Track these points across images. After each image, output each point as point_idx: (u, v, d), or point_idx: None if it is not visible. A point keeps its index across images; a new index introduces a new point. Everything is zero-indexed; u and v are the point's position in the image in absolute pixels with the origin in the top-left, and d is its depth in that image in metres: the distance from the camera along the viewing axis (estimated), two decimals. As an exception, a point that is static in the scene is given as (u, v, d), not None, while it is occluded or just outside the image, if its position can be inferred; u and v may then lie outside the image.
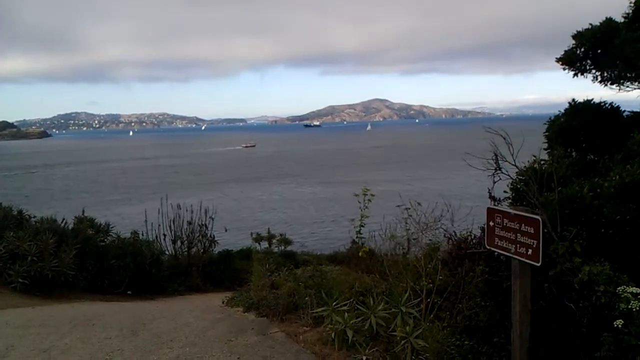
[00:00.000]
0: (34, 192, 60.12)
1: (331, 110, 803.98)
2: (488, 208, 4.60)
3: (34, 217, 13.13)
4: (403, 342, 4.82)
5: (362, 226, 6.96)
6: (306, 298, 6.41)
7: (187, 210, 14.86)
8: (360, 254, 7.02)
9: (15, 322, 6.84)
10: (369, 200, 6.84)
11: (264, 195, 54.84)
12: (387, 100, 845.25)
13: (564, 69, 7.46)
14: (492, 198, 5.09)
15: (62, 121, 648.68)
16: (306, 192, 55.31)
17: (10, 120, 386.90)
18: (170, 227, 14.65)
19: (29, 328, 6.46)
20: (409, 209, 6.01)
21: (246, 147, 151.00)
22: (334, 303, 5.70)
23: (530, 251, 4.05)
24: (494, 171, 4.92)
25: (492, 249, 4.54)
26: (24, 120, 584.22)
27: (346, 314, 5.42)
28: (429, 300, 5.53)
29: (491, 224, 4.49)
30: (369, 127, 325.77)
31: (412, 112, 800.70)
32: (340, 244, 17.07)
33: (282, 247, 16.13)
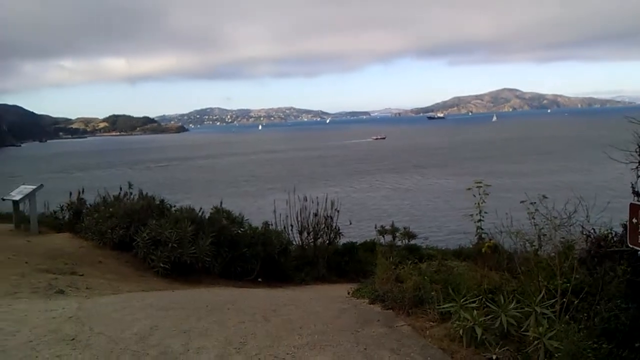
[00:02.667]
0: (174, 182, 64.55)
1: (457, 102, 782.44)
2: (631, 204, 4.31)
3: (174, 206, 14.07)
4: (536, 342, 4.66)
5: (481, 220, 6.76)
6: (432, 293, 6.35)
7: (313, 202, 15.26)
8: (483, 249, 6.85)
9: (157, 304, 7.31)
10: (486, 193, 6.63)
11: (393, 187, 54.80)
12: (517, 90, 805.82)
13: None
14: (636, 193, 4.77)
15: (198, 116, 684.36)
16: (435, 184, 54.56)
17: (151, 116, 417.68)
18: (297, 218, 15.11)
19: (169, 310, 6.88)
20: (534, 203, 5.77)
21: (376, 139, 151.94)
22: (462, 299, 5.61)
23: (679, 252, 3.75)
24: (637, 164, 4.61)
25: (636, 247, 4.25)
26: (164, 115, 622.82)
27: (475, 311, 5.31)
28: (563, 300, 5.29)
29: (634, 220, 4.20)
30: (494, 118, 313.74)
31: (544, 101, 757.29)
32: (466, 238, 16.64)
33: (406, 241, 16.03)
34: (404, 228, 16.43)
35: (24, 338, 5.68)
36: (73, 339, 5.64)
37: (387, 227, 16.20)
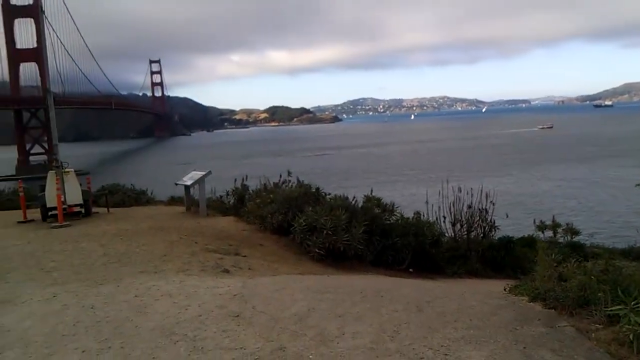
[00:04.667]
0: (329, 171, 66.48)
1: (628, 88, 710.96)
2: None
3: (329, 194, 14.50)
4: None
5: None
6: (599, 294, 5.94)
7: (467, 194, 14.91)
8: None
9: (313, 288, 7.52)
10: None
11: (559, 179, 51.78)
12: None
13: None
14: None
15: (351, 106, 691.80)
16: (607, 177, 50.63)
17: (307, 107, 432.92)
18: (450, 209, 14.86)
19: (325, 294, 7.05)
20: None
21: (542, 128, 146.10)
22: (633, 302, 5.20)
23: None
24: None
25: None
26: (319, 106, 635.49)
27: (647, 315, 4.90)
28: None
29: None
30: None
31: None
32: (638, 237, 15.33)
33: (569, 237, 15.12)
34: (567, 224, 15.55)
35: (194, 312, 6.21)
36: (237, 316, 6.04)
37: (548, 223, 15.41)
